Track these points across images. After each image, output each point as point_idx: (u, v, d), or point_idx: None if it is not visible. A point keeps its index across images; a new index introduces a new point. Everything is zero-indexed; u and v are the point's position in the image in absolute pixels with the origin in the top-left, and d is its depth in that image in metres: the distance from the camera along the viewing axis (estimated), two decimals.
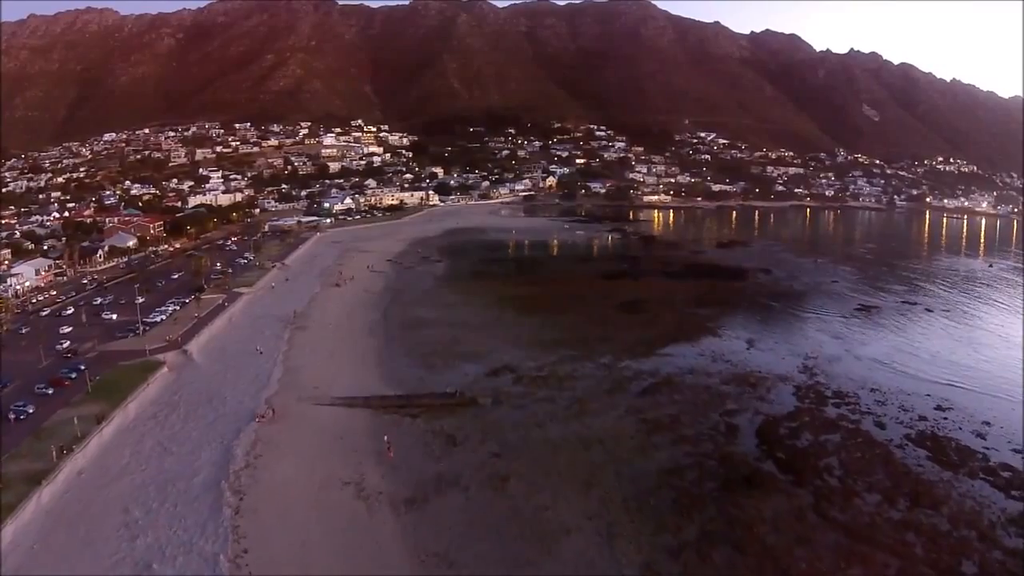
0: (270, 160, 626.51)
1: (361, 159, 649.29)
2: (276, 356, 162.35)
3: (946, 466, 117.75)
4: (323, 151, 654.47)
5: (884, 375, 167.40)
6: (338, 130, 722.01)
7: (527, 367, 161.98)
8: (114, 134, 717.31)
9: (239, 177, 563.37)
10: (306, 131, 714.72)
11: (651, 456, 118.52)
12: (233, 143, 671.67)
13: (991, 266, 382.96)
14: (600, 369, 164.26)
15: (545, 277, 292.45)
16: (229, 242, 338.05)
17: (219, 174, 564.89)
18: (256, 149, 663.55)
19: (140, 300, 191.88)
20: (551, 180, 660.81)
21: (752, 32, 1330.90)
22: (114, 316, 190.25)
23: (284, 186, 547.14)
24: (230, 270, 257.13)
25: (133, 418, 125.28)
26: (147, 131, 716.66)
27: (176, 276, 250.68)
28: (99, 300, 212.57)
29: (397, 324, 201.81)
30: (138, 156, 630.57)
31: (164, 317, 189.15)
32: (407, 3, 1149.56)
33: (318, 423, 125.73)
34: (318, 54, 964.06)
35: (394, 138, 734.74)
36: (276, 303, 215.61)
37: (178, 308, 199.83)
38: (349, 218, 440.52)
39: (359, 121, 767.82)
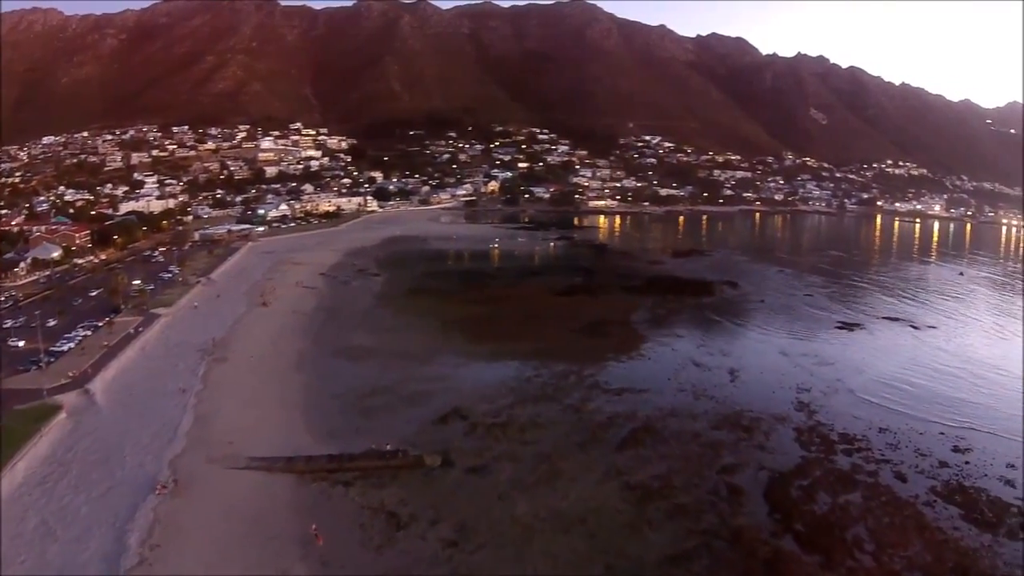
0: (206, 164, 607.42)
1: (298, 163, 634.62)
2: (188, 399, 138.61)
3: (983, 526, 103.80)
4: (260, 155, 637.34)
5: (888, 411, 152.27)
6: (276, 133, 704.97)
7: (481, 411, 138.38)
8: (53, 137, 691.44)
9: (174, 182, 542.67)
10: (244, 134, 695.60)
11: (647, 539, 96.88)
12: (170, 147, 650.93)
13: (962, 274, 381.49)
14: (567, 412, 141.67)
15: (493, 294, 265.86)
16: (156, 253, 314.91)
17: (154, 179, 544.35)
18: (192, 153, 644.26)
19: (52, 323, 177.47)
20: (493, 184, 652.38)
21: (698, 35, 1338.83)
22: (21, 343, 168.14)
23: (219, 191, 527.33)
24: (151, 287, 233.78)
25: (20, 483, 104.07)
26: (85, 134, 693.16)
27: (94, 293, 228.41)
28: (9, 323, 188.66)
29: (329, 354, 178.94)
30: (75, 160, 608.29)
31: (72, 345, 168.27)
32: (351, 4, 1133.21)
33: (230, 496, 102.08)
34: (259, 56, 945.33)
35: (333, 141, 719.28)
36: (196, 327, 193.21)
37: (89, 334, 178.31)
38: (283, 225, 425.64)
39: (298, 124, 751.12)
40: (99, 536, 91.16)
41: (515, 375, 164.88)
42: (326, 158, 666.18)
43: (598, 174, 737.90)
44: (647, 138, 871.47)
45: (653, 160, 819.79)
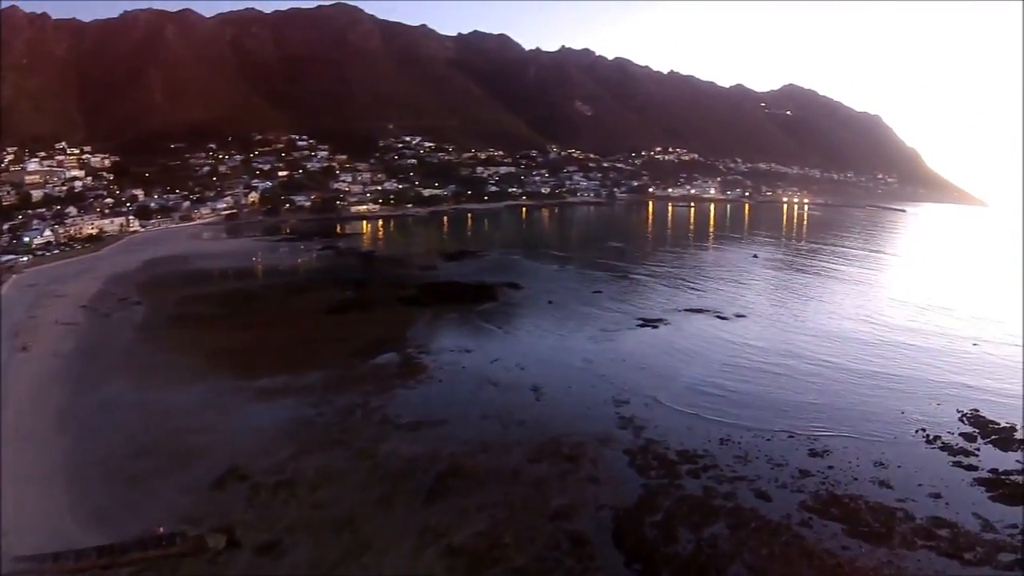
0: None
1: (63, 184, 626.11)
2: None
3: (874, 539, 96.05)
4: (26, 178, 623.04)
5: (721, 421, 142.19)
6: (42, 154, 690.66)
7: (262, 468, 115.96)
8: None
9: None
10: (12, 157, 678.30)
11: None
12: None
13: (755, 257, 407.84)
14: (358, 458, 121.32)
15: (261, 317, 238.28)
16: None
17: None
18: None
19: None
20: (253, 196, 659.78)
21: (460, 33, 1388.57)
22: None
23: None
24: None
25: None
26: None
27: None
28: None
29: (91, 408, 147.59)
30: None
31: None
32: (117, 16, 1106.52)
33: None
34: (29, 73, 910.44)
35: (96, 160, 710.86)
36: None
37: None
38: (48, 253, 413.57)
39: (63, 143, 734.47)
40: None
41: (294, 415, 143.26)
42: (89, 178, 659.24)
43: (359, 178, 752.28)
44: (407, 139, 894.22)
45: (414, 161, 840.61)
